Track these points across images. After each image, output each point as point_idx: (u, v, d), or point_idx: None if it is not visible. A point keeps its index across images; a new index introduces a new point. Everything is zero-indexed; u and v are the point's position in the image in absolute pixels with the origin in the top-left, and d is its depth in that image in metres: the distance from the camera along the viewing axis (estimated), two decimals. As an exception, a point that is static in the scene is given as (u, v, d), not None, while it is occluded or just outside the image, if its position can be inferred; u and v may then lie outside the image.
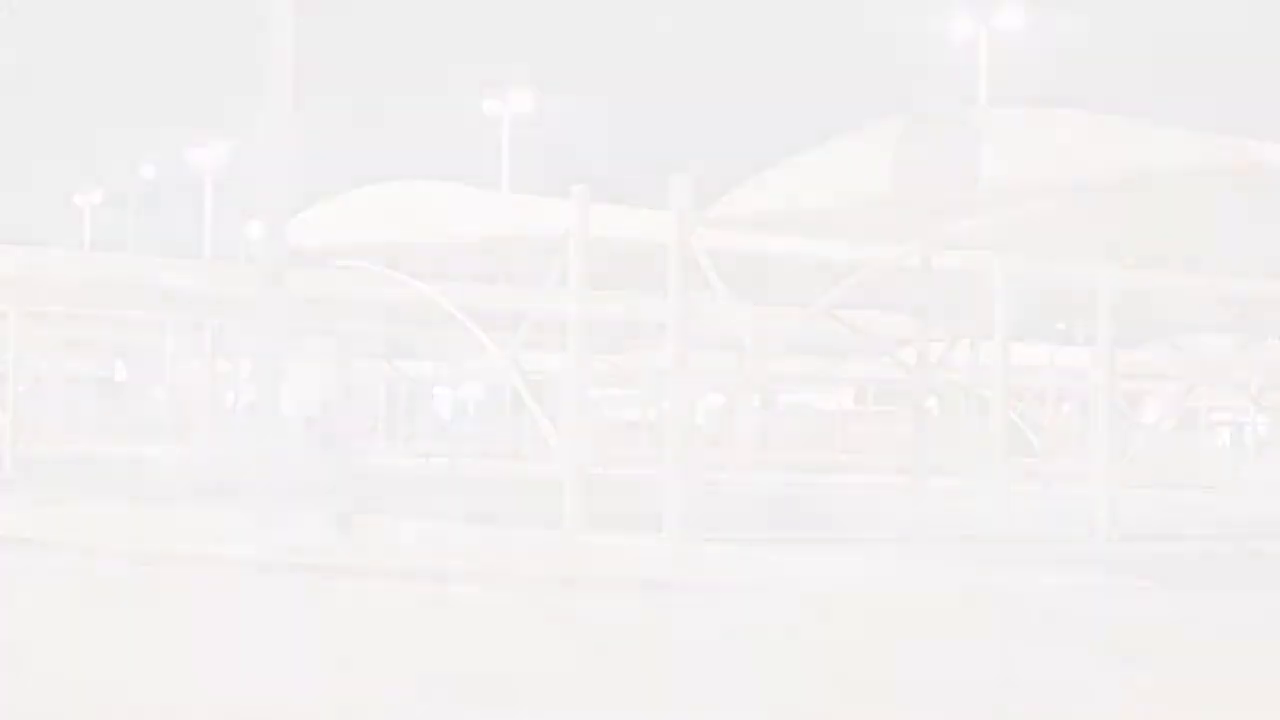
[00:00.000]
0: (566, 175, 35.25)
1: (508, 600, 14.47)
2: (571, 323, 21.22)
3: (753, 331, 21.11)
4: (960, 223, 17.54)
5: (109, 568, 16.87)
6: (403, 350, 43.38)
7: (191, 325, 36.91)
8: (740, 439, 45.81)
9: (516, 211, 22.91)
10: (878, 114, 18.05)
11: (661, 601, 14.48)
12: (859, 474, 46.15)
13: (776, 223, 20.12)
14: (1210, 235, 19.96)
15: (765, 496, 35.20)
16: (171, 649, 11.36)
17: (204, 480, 33.29)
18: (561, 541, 19.34)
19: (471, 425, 72.73)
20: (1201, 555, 22.65)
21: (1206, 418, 57.00)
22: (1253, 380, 45.83)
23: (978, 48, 42.25)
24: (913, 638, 12.80)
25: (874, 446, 49.41)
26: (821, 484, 42.09)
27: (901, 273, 18.81)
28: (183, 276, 34.37)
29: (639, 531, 20.42)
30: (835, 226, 19.93)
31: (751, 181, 20.62)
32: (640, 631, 12.86)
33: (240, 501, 19.72)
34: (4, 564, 17.00)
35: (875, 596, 15.13)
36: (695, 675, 10.80)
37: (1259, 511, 33.35)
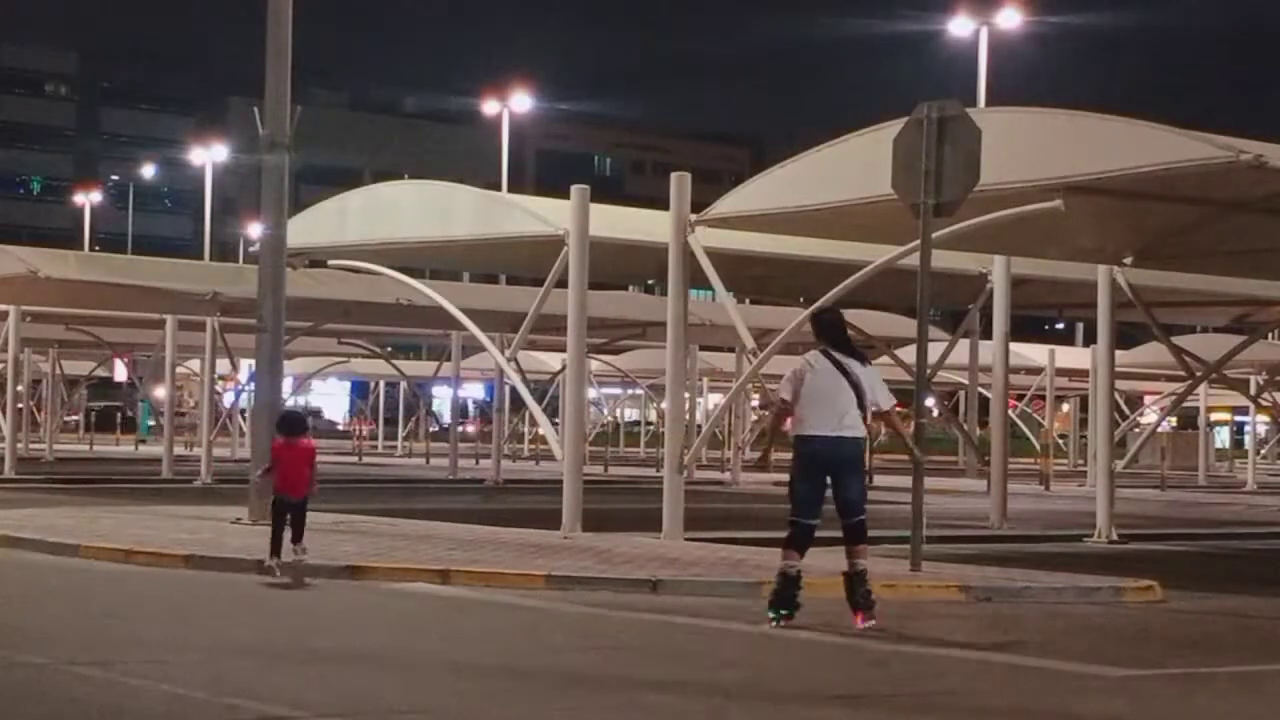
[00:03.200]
0: (566, 175, 35.27)
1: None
2: (571, 322, 21.18)
3: (752, 331, 21.06)
4: (960, 223, 17.51)
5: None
6: (402, 350, 43.44)
7: (191, 325, 36.86)
8: (740, 439, 45.78)
9: (516, 211, 22.83)
10: (878, 114, 18.03)
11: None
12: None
13: (777, 222, 20.09)
14: (1210, 235, 19.95)
15: (762, 495, 35.21)
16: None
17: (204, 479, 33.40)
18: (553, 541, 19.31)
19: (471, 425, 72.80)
20: (1201, 554, 22.66)
21: (1206, 418, 56.98)
22: (1253, 380, 45.91)
23: (978, 48, 42.24)
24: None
25: (874, 446, 49.35)
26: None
27: (901, 273, 18.77)
28: (183, 276, 34.36)
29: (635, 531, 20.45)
30: (835, 226, 19.91)
31: (752, 181, 20.60)
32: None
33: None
34: None
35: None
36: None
37: (1258, 510, 33.37)
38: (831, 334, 13.42)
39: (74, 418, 69.11)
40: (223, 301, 32.06)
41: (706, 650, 11.97)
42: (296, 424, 16.72)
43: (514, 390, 30.15)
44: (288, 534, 15.80)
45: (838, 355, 13.18)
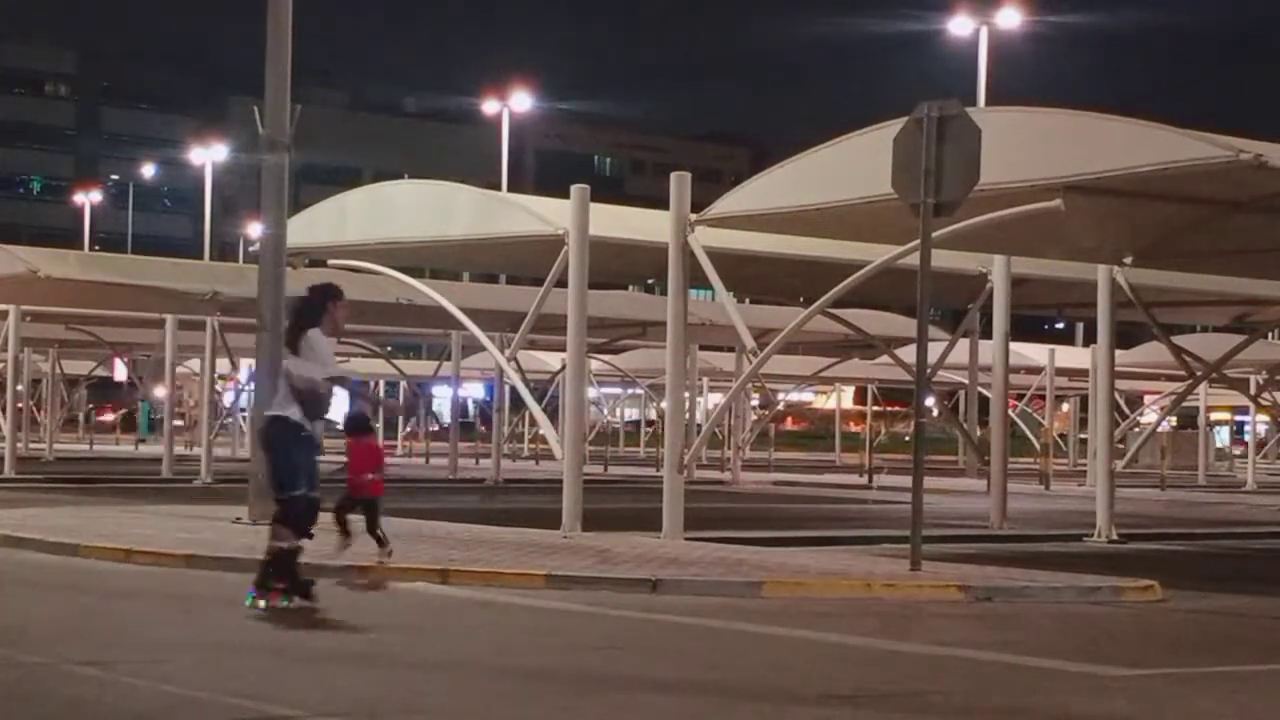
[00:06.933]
0: (566, 175, 35.30)
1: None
2: (571, 322, 21.19)
3: (752, 331, 21.06)
4: (960, 223, 17.52)
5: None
6: (402, 350, 43.45)
7: (191, 325, 36.86)
8: (740, 439, 45.78)
9: (516, 211, 22.83)
10: (878, 114, 18.04)
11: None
12: (857, 474, 46.19)
13: (777, 222, 20.09)
14: (1210, 235, 19.96)
15: (762, 495, 35.22)
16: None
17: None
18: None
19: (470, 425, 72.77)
20: (1201, 554, 22.66)
21: (1206, 417, 56.98)
22: (1253, 380, 45.90)
23: (978, 48, 42.24)
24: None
25: (874, 445, 49.36)
26: (819, 483, 42.06)
27: (901, 273, 18.77)
28: (183, 276, 34.36)
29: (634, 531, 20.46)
30: (835, 226, 19.91)
31: (752, 181, 20.60)
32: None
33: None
34: None
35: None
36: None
37: (1259, 510, 33.37)
38: None
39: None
40: (223, 301, 32.04)
41: (706, 650, 11.96)
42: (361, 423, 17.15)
43: (514, 390, 30.14)
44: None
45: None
